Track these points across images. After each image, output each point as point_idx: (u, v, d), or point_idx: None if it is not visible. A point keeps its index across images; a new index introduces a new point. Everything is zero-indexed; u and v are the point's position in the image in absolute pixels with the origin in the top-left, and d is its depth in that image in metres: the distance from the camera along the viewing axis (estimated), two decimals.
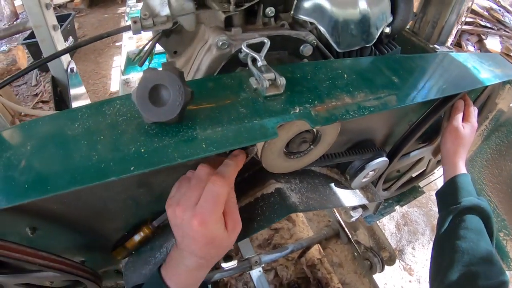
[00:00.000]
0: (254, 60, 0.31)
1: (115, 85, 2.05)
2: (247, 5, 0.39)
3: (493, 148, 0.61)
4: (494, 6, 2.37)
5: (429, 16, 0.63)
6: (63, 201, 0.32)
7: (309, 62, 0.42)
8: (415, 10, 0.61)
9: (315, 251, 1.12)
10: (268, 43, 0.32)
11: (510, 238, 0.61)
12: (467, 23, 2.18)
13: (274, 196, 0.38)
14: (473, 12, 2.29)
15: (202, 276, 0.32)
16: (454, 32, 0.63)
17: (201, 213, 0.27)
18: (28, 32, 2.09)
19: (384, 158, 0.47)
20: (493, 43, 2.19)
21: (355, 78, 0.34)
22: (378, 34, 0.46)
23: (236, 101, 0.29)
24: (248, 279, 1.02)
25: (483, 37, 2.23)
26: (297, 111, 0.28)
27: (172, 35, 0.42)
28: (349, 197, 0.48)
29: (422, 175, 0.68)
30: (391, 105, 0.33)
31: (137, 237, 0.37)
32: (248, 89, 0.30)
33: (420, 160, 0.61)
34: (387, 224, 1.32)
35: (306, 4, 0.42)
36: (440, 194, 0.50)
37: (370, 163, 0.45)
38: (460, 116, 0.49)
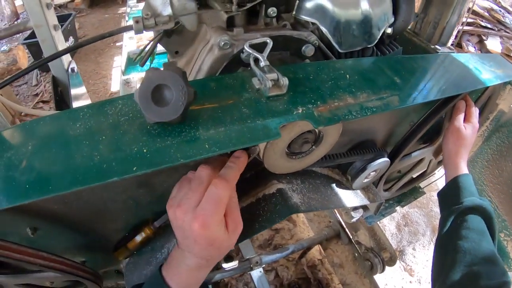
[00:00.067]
0: (256, 60, 0.31)
1: (115, 85, 2.05)
2: (249, 5, 0.39)
3: (494, 148, 0.61)
4: (495, 7, 2.38)
5: (430, 16, 0.64)
6: (64, 201, 0.31)
7: (311, 62, 0.42)
8: (416, 10, 0.61)
9: (315, 252, 1.12)
10: (270, 43, 0.32)
11: (511, 239, 0.61)
12: (467, 24, 2.18)
13: (276, 197, 0.38)
14: (474, 12, 2.29)
15: (203, 276, 0.32)
16: (455, 32, 0.64)
17: (202, 216, 0.27)
18: (29, 32, 2.09)
19: (386, 159, 0.47)
20: (494, 43, 2.19)
21: (357, 78, 0.34)
22: (380, 35, 0.46)
23: (239, 101, 0.29)
24: (249, 279, 1.02)
25: (484, 37, 2.23)
26: (300, 111, 0.28)
27: (173, 35, 0.42)
28: (350, 198, 0.48)
29: (423, 176, 0.68)
30: (393, 105, 0.33)
31: (138, 238, 0.37)
32: (251, 89, 0.30)
33: (421, 160, 0.61)
34: (388, 225, 1.32)
35: (308, 5, 0.42)
36: (442, 194, 0.49)
37: (372, 163, 0.45)
38: (461, 116, 0.49)
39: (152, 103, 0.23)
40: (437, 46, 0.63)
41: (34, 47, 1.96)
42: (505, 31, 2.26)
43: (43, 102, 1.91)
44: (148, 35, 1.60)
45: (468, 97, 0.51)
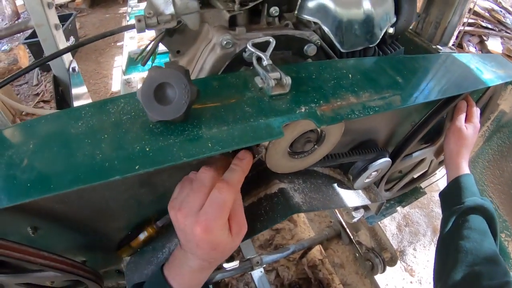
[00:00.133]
0: (259, 59, 0.31)
1: (116, 85, 2.05)
2: (251, 4, 0.39)
3: (495, 149, 0.61)
4: (496, 7, 2.38)
5: (432, 16, 0.63)
6: (65, 200, 0.31)
7: (313, 62, 0.42)
8: (418, 11, 0.61)
9: (316, 252, 1.12)
10: (273, 42, 0.32)
11: None
12: (468, 24, 2.18)
13: (278, 196, 0.38)
14: (475, 13, 2.30)
15: (205, 277, 0.32)
16: (456, 33, 0.64)
17: (205, 220, 0.26)
18: (30, 31, 2.09)
19: (387, 159, 0.46)
20: (494, 44, 2.20)
21: (359, 78, 0.34)
22: (382, 35, 0.46)
23: (242, 100, 0.28)
24: (250, 279, 1.02)
25: (485, 38, 2.23)
26: (302, 110, 0.28)
27: (175, 35, 0.42)
28: (351, 198, 0.48)
29: (424, 176, 0.68)
30: (396, 105, 0.33)
31: (141, 236, 0.37)
32: (254, 88, 0.30)
33: (422, 161, 0.61)
34: (389, 225, 1.31)
35: (310, 4, 0.42)
36: (443, 194, 0.49)
37: (373, 163, 0.45)
38: (463, 116, 0.49)
39: (154, 102, 0.23)
40: (438, 46, 0.63)
41: (35, 47, 1.96)
42: (506, 32, 2.26)
43: (44, 101, 1.91)
44: (149, 35, 1.60)
45: (469, 97, 0.51)
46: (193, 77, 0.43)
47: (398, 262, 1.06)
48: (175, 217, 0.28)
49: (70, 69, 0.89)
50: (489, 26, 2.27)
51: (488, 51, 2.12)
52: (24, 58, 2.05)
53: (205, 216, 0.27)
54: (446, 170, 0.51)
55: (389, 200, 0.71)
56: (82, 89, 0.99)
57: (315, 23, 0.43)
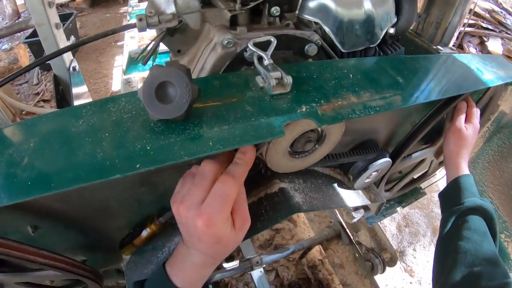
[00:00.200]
0: (260, 59, 0.31)
1: (116, 85, 2.05)
2: (252, 4, 0.39)
3: (495, 150, 0.61)
4: (496, 9, 2.38)
5: (432, 17, 0.64)
6: (65, 199, 0.31)
7: (314, 61, 0.42)
8: (418, 11, 0.61)
9: (316, 252, 1.12)
10: (274, 41, 0.32)
11: (511, 240, 0.61)
12: (469, 25, 2.18)
13: (278, 196, 0.38)
14: (475, 14, 2.30)
15: (208, 273, 0.31)
16: (456, 33, 0.64)
17: (207, 213, 0.26)
18: (30, 31, 2.09)
19: (387, 159, 0.46)
20: (495, 45, 2.20)
21: (360, 78, 0.34)
22: (383, 35, 0.46)
23: (243, 99, 0.28)
24: (249, 279, 1.02)
25: (485, 39, 2.23)
26: (303, 110, 0.28)
27: (176, 34, 0.42)
28: (352, 198, 0.48)
29: (424, 177, 0.68)
30: (396, 105, 0.33)
31: (144, 233, 0.37)
32: (255, 87, 0.30)
33: (422, 161, 0.61)
34: (388, 226, 1.31)
35: (311, 4, 0.42)
36: (443, 195, 0.49)
37: (374, 163, 0.45)
38: (463, 117, 0.49)
39: (156, 100, 0.23)
40: (439, 47, 0.63)
41: (35, 46, 1.96)
42: (506, 33, 2.26)
43: (44, 101, 1.91)
44: (150, 34, 1.60)
45: (469, 97, 0.51)
46: (194, 76, 0.43)
47: (398, 262, 1.06)
48: (177, 211, 0.28)
49: (71, 68, 0.89)
50: (490, 27, 2.27)
51: (489, 52, 2.12)
52: (25, 57, 2.05)
53: (207, 208, 0.26)
54: (445, 171, 0.51)
55: (389, 201, 0.71)
56: (83, 89, 0.99)
57: (316, 23, 0.43)
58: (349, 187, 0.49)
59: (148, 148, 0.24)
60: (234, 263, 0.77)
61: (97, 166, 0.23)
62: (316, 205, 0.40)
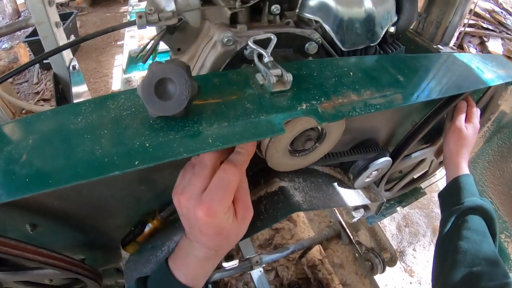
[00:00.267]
0: (260, 56, 0.31)
1: (116, 84, 2.05)
2: (253, 2, 0.39)
3: (495, 150, 0.61)
4: (496, 9, 2.38)
5: (433, 16, 0.64)
6: (64, 197, 0.31)
7: (315, 59, 0.42)
8: (419, 10, 0.61)
9: (316, 252, 1.12)
10: (274, 39, 0.32)
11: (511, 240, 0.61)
12: (469, 26, 2.18)
13: (278, 195, 0.38)
14: (476, 14, 2.30)
15: (212, 267, 0.31)
16: (456, 33, 0.64)
17: (208, 203, 0.25)
18: (30, 30, 2.09)
19: (388, 158, 0.46)
20: (495, 45, 2.20)
21: (360, 76, 0.34)
22: (383, 34, 0.46)
23: (243, 96, 0.28)
24: (249, 279, 1.02)
25: (485, 39, 2.23)
26: (304, 107, 0.28)
27: (176, 32, 0.42)
28: (352, 197, 0.48)
29: (424, 176, 0.68)
30: (397, 103, 0.33)
31: (146, 229, 0.37)
32: (255, 85, 0.30)
33: (422, 161, 0.61)
34: (388, 226, 1.31)
35: (312, 3, 0.42)
36: (442, 194, 0.49)
37: (374, 162, 0.45)
38: (463, 116, 0.49)
39: (155, 97, 0.23)
40: (439, 46, 0.63)
41: (35, 45, 1.96)
42: (507, 33, 2.26)
43: (44, 100, 1.91)
44: (149, 34, 1.60)
45: (469, 97, 0.51)
46: (193, 74, 0.42)
47: (398, 262, 1.06)
48: (178, 202, 0.27)
49: (71, 67, 0.89)
50: (490, 27, 2.27)
51: (489, 52, 2.12)
52: (25, 56, 2.05)
53: (208, 197, 0.26)
54: (445, 170, 0.51)
55: (389, 200, 0.71)
56: (82, 88, 0.98)
57: (316, 21, 0.43)
58: (349, 186, 0.48)
59: (147, 145, 0.23)
60: (234, 263, 0.77)
61: (96, 163, 0.22)
62: (316, 204, 0.39)
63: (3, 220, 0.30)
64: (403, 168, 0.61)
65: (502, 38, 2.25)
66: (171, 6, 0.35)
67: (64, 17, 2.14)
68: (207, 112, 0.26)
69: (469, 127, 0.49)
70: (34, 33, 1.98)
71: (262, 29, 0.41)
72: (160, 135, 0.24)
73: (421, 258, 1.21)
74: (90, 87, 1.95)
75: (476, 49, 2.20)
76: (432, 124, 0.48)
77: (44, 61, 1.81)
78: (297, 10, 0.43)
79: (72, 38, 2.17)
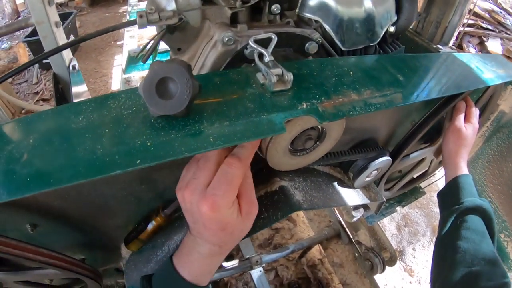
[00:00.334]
0: (261, 56, 0.31)
1: (116, 84, 2.05)
2: (253, 1, 0.39)
3: (495, 149, 0.61)
4: (496, 9, 2.39)
5: (432, 16, 0.64)
6: (65, 196, 0.31)
7: (315, 59, 0.42)
8: (418, 10, 0.61)
9: (316, 251, 1.12)
10: (275, 38, 0.32)
11: (511, 240, 0.61)
12: (468, 25, 2.19)
13: (278, 194, 0.38)
14: (475, 14, 2.31)
15: (217, 264, 0.30)
16: (456, 33, 0.64)
17: (212, 197, 0.25)
18: (30, 30, 2.09)
19: (387, 157, 0.46)
20: (494, 45, 2.20)
21: (361, 75, 0.34)
22: (383, 33, 0.46)
23: (243, 96, 0.28)
24: (249, 279, 1.02)
25: (485, 39, 2.24)
26: (304, 106, 0.28)
27: (176, 32, 0.42)
28: (351, 196, 0.48)
29: (423, 176, 0.68)
30: (397, 102, 0.33)
31: (150, 226, 0.36)
32: (255, 84, 0.30)
33: (422, 160, 0.61)
34: (388, 225, 1.32)
35: (312, 2, 0.42)
36: (441, 194, 0.49)
37: (374, 162, 0.45)
38: (462, 116, 0.49)
39: (156, 96, 0.23)
40: (439, 46, 0.63)
41: (34, 45, 1.95)
42: (506, 33, 2.27)
43: (44, 100, 1.91)
44: (149, 34, 1.60)
45: (468, 97, 0.51)
46: (194, 74, 0.42)
47: (398, 262, 1.06)
48: (182, 197, 0.27)
49: (70, 67, 0.89)
50: (489, 27, 2.28)
51: (488, 52, 2.13)
52: (24, 56, 2.04)
53: (212, 191, 0.25)
54: (444, 170, 0.51)
55: (388, 200, 0.71)
56: (82, 87, 0.98)
57: (316, 21, 0.43)
58: (349, 185, 0.49)
59: (149, 144, 0.23)
60: (234, 262, 0.77)
61: (97, 162, 0.22)
62: (316, 204, 0.40)
63: (4, 220, 0.30)
64: (402, 167, 0.61)
65: (501, 38, 2.25)
66: (172, 6, 0.35)
67: (63, 17, 2.14)
68: (208, 111, 0.26)
69: (468, 127, 0.49)
70: (34, 33, 1.97)
71: (262, 28, 0.41)
72: (161, 134, 0.24)
73: (420, 257, 1.21)
74: (89, 87, 1.94)
75: (475, 49, 2.20)
76: (432, 124, 0.48)
77: (44, 61, 1.81)
78: (297, 10, 0.44)
79: (72, 38, 2.16)
